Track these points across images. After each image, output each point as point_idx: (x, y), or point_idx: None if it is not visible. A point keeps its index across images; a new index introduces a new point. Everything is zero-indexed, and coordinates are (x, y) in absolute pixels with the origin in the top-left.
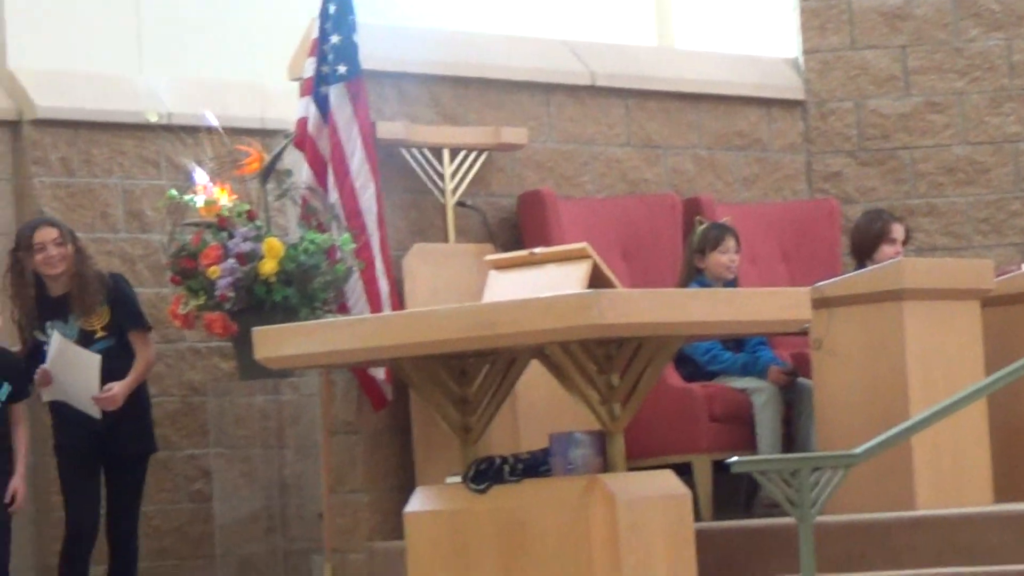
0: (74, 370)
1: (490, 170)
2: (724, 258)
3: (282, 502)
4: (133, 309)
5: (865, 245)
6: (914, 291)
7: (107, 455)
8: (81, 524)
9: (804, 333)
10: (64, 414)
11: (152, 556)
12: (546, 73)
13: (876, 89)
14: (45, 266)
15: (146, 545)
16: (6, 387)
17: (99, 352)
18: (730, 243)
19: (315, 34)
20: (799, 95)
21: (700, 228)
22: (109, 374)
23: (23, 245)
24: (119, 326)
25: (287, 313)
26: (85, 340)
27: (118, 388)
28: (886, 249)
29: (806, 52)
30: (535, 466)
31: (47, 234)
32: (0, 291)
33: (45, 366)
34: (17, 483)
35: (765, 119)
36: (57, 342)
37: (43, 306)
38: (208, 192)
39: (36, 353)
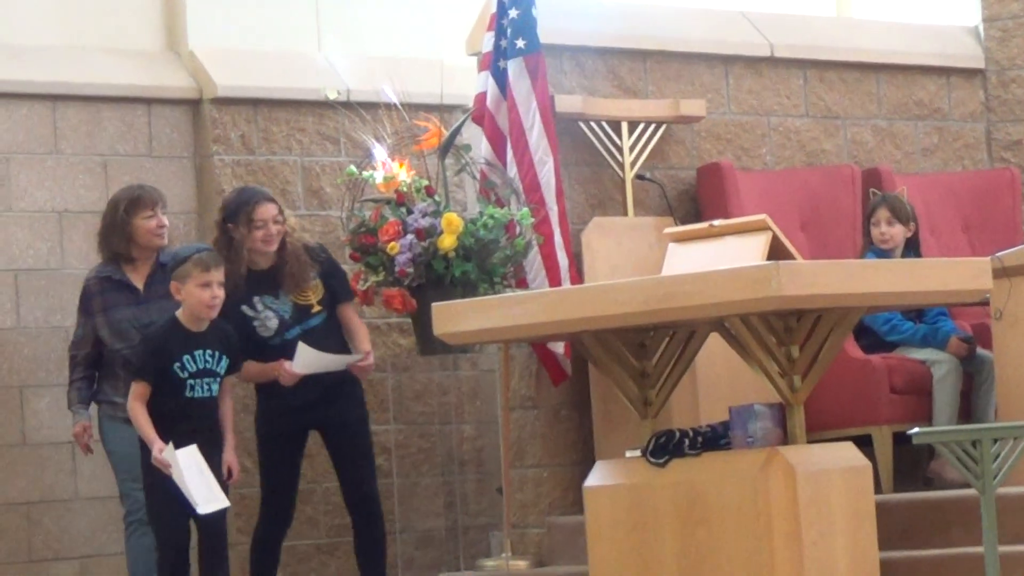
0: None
1: (668, 143)
2: (875, 231)
3: (461, 477)
4: (345, 280)
5: None
6: None
7: (325, 424)
8: (285, 508)
9: (985, 303)
10: (273, 398)
11: (334, 532)
12: (724, 45)
13: None
14: (264, 243)
15: (328, 521)
16: (225, 361)
17: (316, 327)
18: (881, 214)
19: (493, 8)
20: (979, 64)
21: (872, 200)
22: (323, 349)
23: (241, 219)
24: (332, 299)
25: (466, 288)
26: (301, 315)
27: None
28: None
29: (986, 20)
30: (715, 439)
31: (268, 211)
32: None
33: (297, 371)
34: (230, 456)
35: (945, 88)
36: (304, 354)
37: (249, 280)
38: (387, 168)
39: (243, 327)
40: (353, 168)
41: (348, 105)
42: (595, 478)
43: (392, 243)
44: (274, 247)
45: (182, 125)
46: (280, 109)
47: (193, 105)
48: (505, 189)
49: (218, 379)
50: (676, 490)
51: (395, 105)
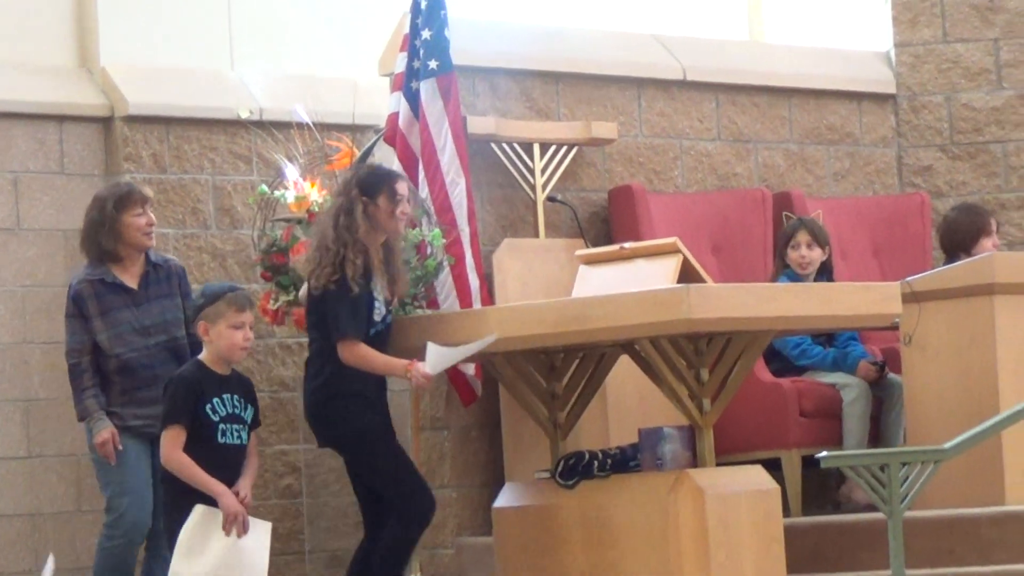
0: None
1: (580, 165)
2: (795, 254)
3: None
4: None
5: (962, 239)
6: (1005, 285)
7: None
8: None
9: (894, 328)
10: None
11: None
12: (636, 67)
13: (968, 83)
14: (399, 220)
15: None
16: (251, 409)
17: (387, 327)
18: (801, 237)
19: (406, 29)
20: (890, 89)
21: (786, 223)
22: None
23: (383, 192)
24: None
25: None
26: (386, 311)
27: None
28: (985, 242)
29: (897, 46)
30: (624, 461)
31: (405, 188)
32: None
33: (431, 372)
34: (246, 484)
35: (856, 113)
36: (436, 354)
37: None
38: (299, 188)
39: (367, 306)
40: (265, 187)
41: (260, 124)
42: (504, 499)
43: None
44: (403, 228)
45: (94, 143)
46: (192, 127)
47: (105, 123)
48: (417, 210)
49: (246, 427)
50: (585, 512)
51: (307, 124)
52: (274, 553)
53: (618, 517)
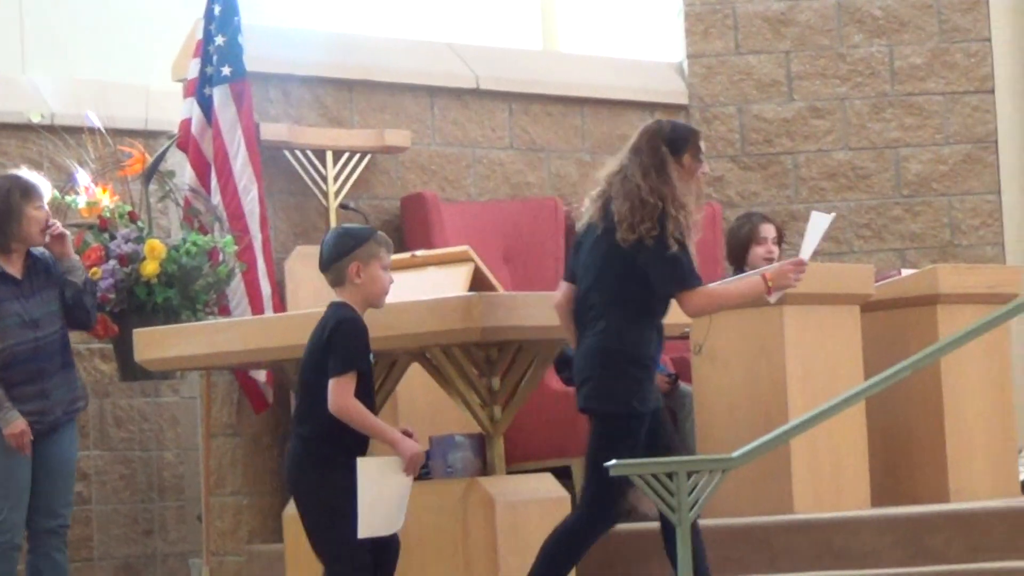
0: None
1: (373, 172)
2: (762, 249)
3: (161, 504)
4: None
5: (737, 249)
6: (794, 295)
7: None
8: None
9: (685, 337)
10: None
11: None
12: (430, 76)
13: (759, 94)
14: (700, 181)
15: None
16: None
17: None
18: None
19: (200, 35)
20: (683, 99)
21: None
22: None
23: (690, 150)
24: None
25: (168, 315)
26: None
27: None
28: (757, 250)
29: (690, 57)
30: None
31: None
32: None
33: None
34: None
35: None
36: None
37: None
38: (90, 193)
39: None
40: (56, 193)
41: (52, 129)
42: (294, 507)
43: (94, 268)
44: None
45: None
46: None
47: None
48: (209, 216)
49: None
50: None
51: (99, 130)
52: None
53: (410, 524)
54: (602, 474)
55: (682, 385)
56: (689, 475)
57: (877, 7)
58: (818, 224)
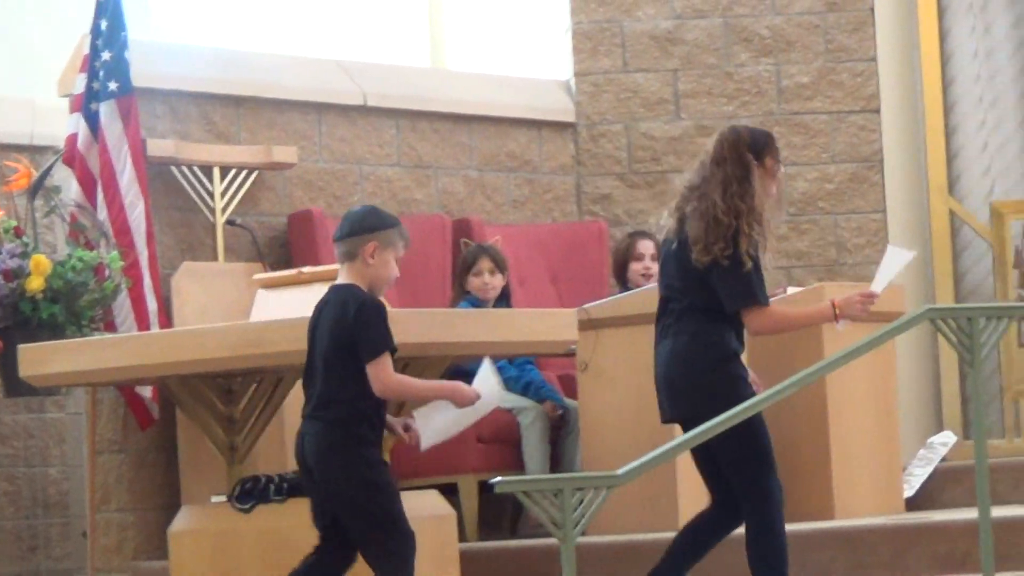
0: None
1: (260, 189)
2: (477, 280)
3: (46, 521)
4: None
5: (618, 265)
6: None
7: None
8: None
9: (571, 355)
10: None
11: None
12: (317, 92)
13: (647, 112)
14: (776, 187)
15: None
16: None
17: None
18: (484, 265)
19: (86, 50)
20: (570, 117)
21: (465, 250)
22: None
23: (770, 155)
24: None
25: (54, 330)
26: None
27: None
28: (634, 266)
29: (578, 74)
30: (300, 485)
31: None
32: None
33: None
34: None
35: (536, 141)
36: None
37: None
38: None
39: None
40: None
41: None
42: (180, 523)
43: None
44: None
45: None
46: None
47: None
48: (95, 232)
49: None
50: (261, 536)
51: None
52: None
53: (295, 541)
54: (748, 469)
55: (568, 401)
56: (575, 492)
57: (764, 27)
58: (896, 258)
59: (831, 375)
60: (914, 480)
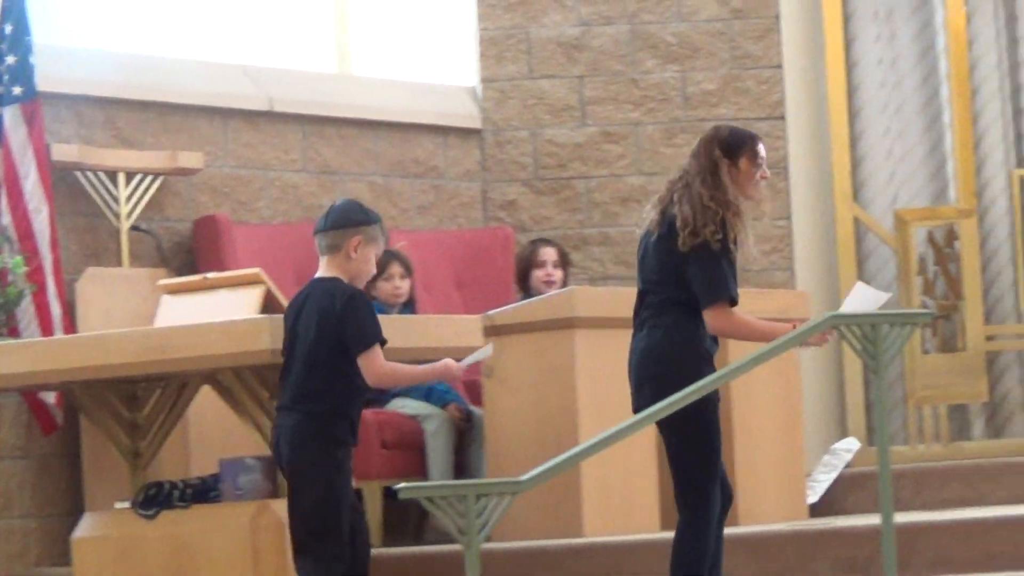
0: None
1: (166, 194)
2: (388, 285)
3: None
4: None
5: (520, 272)
6: (585, 319)
7: None
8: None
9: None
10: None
11: None
12: (223, 98)
13: (553, 119)
14: (759, 186)
15: None
16: None
17: None
18: (394, 269)
19: None
20: (476, 123)
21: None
22: None
23: (745, 155)
24: None
25: None
26: None
27: None
28: (536, 273)
29: (484, 81)
30: (205, 491)
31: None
32: None
33: None
34: None
35: (442, 147)
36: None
37: None
38: None
39: None
40: None
41: None
42: (83, 530)
43: None
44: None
45: None
46: None
47: None
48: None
49: None
50: (165, 542)
51: None
52: None
53: (199, 547)
54: (690, 471)
55: (473, 408)
56: (478, 498)
57: (670, 33)
58: (864, 296)
59: (736, 381)
60: (818, 486)
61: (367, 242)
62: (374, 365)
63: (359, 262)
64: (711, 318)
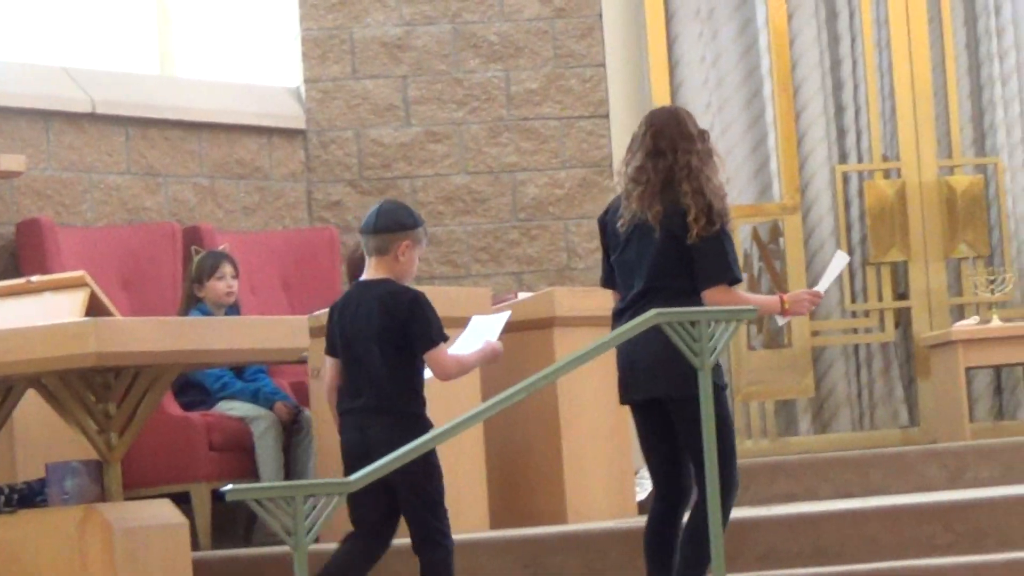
0: None
1: None
2: (221, 284)
3: None
4: None
5: (352, 271)
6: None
7: None
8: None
9: (303, 362)
10: None
11: None
12: (45, 99)
13: (377, 118)
14: None
15: None
16: None
17: None
18: (226, 269)
19: None
20: (300, 124)
21: (197, 257)
22: None
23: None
24: None
25: None
26: None
27: None
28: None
29: (307, 81)
30: (31, 496)
31: None
32: None
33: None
34: None
35: (266, 148)
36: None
37: None
38: None
39: None
40: None
41: None
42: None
43: None
44: None
45: None
46: None
47: None
48: None
49: None
50: None
51: None
52: None
53: (27, 553)
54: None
55: (304, 411)
56: (306, 499)
57: (493, 33)
58: (838, 262)
59: (563, 379)
60: (646, 483)
61: (414, 244)
62: (443, 360)
63: (406, 264)
64: (714, 295)
